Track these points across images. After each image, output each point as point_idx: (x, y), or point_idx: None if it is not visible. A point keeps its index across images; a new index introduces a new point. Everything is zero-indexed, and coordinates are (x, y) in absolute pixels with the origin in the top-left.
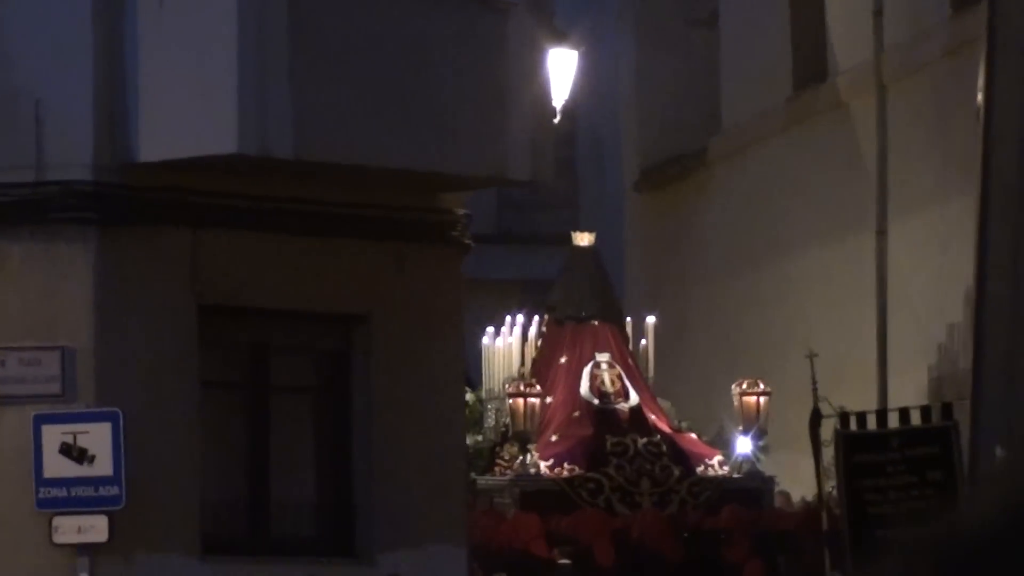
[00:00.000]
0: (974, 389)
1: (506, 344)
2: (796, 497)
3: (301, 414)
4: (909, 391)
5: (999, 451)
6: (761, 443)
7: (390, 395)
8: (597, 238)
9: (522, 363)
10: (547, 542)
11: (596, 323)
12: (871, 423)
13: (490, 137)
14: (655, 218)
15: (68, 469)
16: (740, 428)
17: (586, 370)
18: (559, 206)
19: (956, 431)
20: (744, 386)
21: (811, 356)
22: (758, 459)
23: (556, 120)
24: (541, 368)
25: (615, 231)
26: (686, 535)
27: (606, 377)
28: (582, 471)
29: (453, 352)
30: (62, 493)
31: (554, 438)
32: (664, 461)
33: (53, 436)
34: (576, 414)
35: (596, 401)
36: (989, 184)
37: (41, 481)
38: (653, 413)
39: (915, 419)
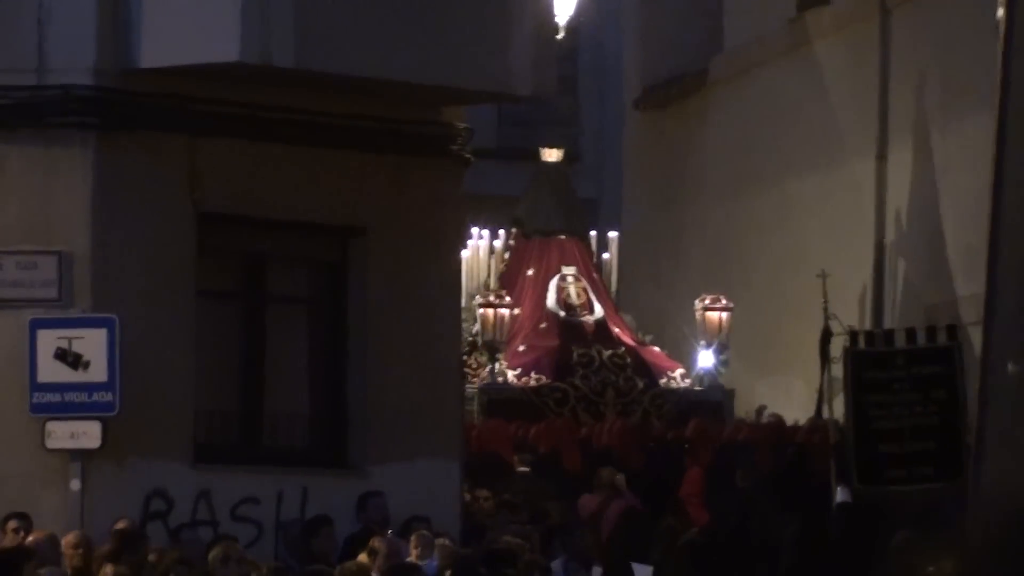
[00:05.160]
0: (987, 303)
1: (473, 256)
2: (789, 419)
3: (296, 325)
4: (906, 315)
5: (1011, 366)
6: (723, 357)
7: (386, 308)
8: (597, 154)
9: (488, 275)
10: (514, 449)
11: (563, 237)
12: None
13: (493, 51)
14: (655, 136)
15: (63, 374)
16: (702, 343)
17: (552, 282)
18: (560, 122)
19: (960, 352)
20: (707, 301)
21: (823, 276)
22: (720, 372)
23: (559, 36)
24: (508, 281)
25: (615, 148)
26: (651, 445)
27: (572, 290)
28: (549, 381)
29: (450, 266)
30: (56, 398)
31: (522, 348)
32: (628, 373)
33: (48, 341)
34: (543, 325)
35: (562, 313)
36: (1008, 101)
37: (35, 386)
38: (617, 326)
39: (921, 339)
